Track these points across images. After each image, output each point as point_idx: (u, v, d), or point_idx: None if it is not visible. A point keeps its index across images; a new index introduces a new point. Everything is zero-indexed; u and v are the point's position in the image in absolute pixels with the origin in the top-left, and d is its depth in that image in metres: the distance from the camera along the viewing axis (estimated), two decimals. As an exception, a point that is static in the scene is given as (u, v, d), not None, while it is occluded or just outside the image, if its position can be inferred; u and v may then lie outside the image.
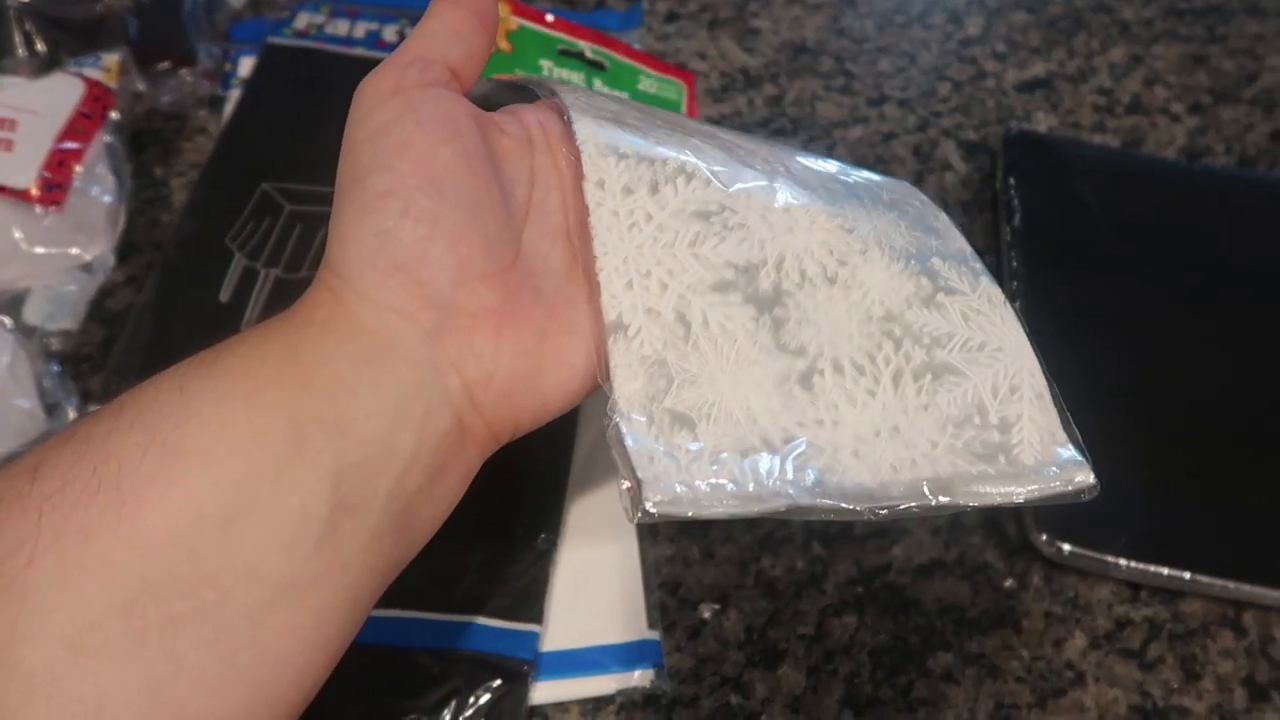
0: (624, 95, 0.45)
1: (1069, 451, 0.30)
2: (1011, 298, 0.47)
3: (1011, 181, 0.51)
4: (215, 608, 0.22)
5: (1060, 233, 0.50)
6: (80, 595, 0.21)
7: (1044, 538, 0.40)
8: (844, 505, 0.27)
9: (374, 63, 0.57)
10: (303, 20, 0.54)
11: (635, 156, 0.30)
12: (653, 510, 0.25)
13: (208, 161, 0.49)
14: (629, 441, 0.25)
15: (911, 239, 0.32)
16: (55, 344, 0.44)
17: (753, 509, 0.26)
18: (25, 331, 0.43)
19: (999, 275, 0.49)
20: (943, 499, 0.28)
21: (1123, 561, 0.39)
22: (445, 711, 0.34)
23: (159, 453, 0.22)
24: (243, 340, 0.25)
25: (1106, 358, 0.45)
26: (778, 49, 0.60)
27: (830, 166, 0.35)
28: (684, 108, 0.51)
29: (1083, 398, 0.44)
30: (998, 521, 0.42)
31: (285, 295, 0.44)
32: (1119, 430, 0.43)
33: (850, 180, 0.34)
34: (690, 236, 0.29)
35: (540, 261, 0.28)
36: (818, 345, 0.29)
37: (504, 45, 0.48)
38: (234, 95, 0.52)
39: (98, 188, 0.47)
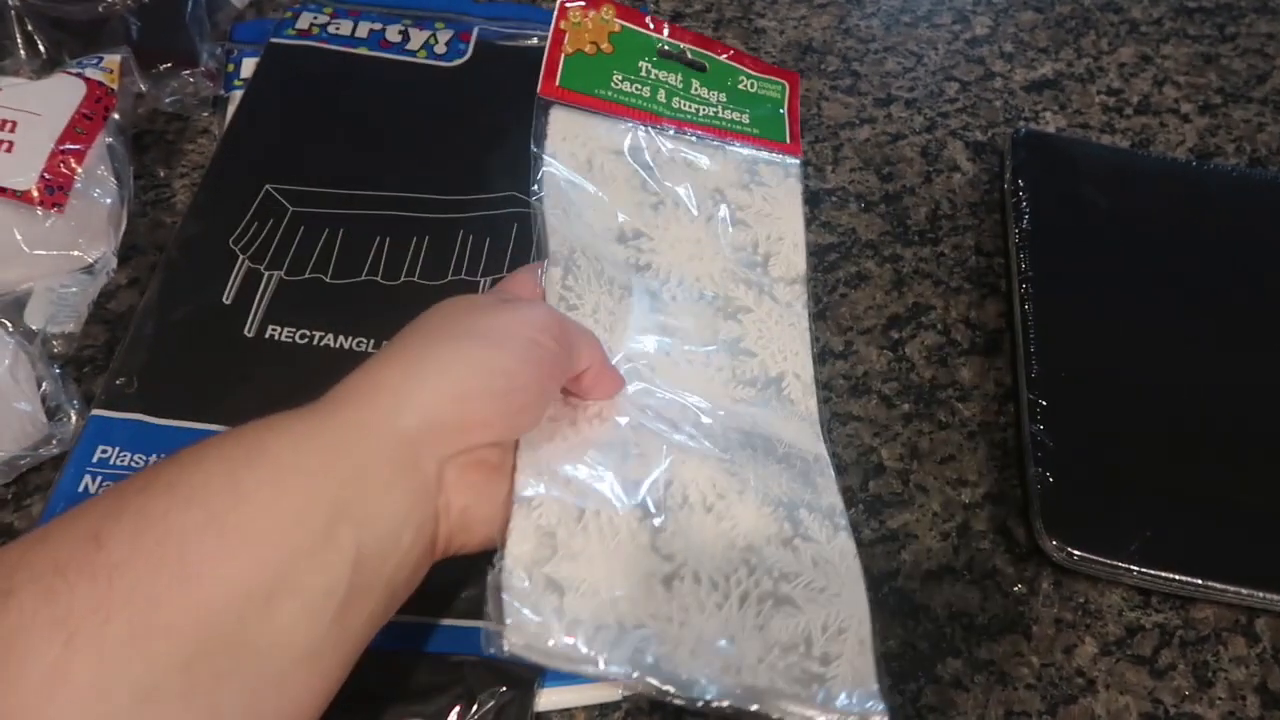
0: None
1: (872, 698, 0.33)
2: (1021, 300, 0.46)
3: (1020, 182, 0.51)
4: (251, 669, 0.25)
5: (1069, 234, 0.49)
6: (150, 653, 0.24)
7: (1054, 543, 0.39)
8: (670, 690, 0.31)
9: (377, 62, 0.57)
10: (305, 20, 0.54)
11: (563, 400, 0.36)
12: (507, 650, 0.30)
13: (210, 163, 0.49)
14: (505, 593, 0.31)
15: (788, 489, 0.37)
16: (57, 346, 0.44)
17: (589, 671, 0.30)
18: (26, 334, 0.43)
19: (1008, 276, 0.49)
20: (753, 707, 0.32)
21: (1134, 567, 0.39)
22: (451, 717, 0.34)
23: (217, 533, 0.25)
24: (286, 429, 0.28)
25: (1116, 360, 0.45)
26: (783, 49, 0.60)
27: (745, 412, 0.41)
28: (785, 105, 0.52)
29: (1093, 401, 0.44)
30: (1007, 527, 0.42)
31: (288, 298, 0.44)
32: (1129, 433, 0.43)
33: (755, 430, 0.40)
34: (596, 457, 0.35)
35: None
36: (684, 556, 0.34)
37: (605, 46, 0.49)
38: (236, 96, 0.52)
39: (99, 189, 0.46)
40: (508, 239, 0.46)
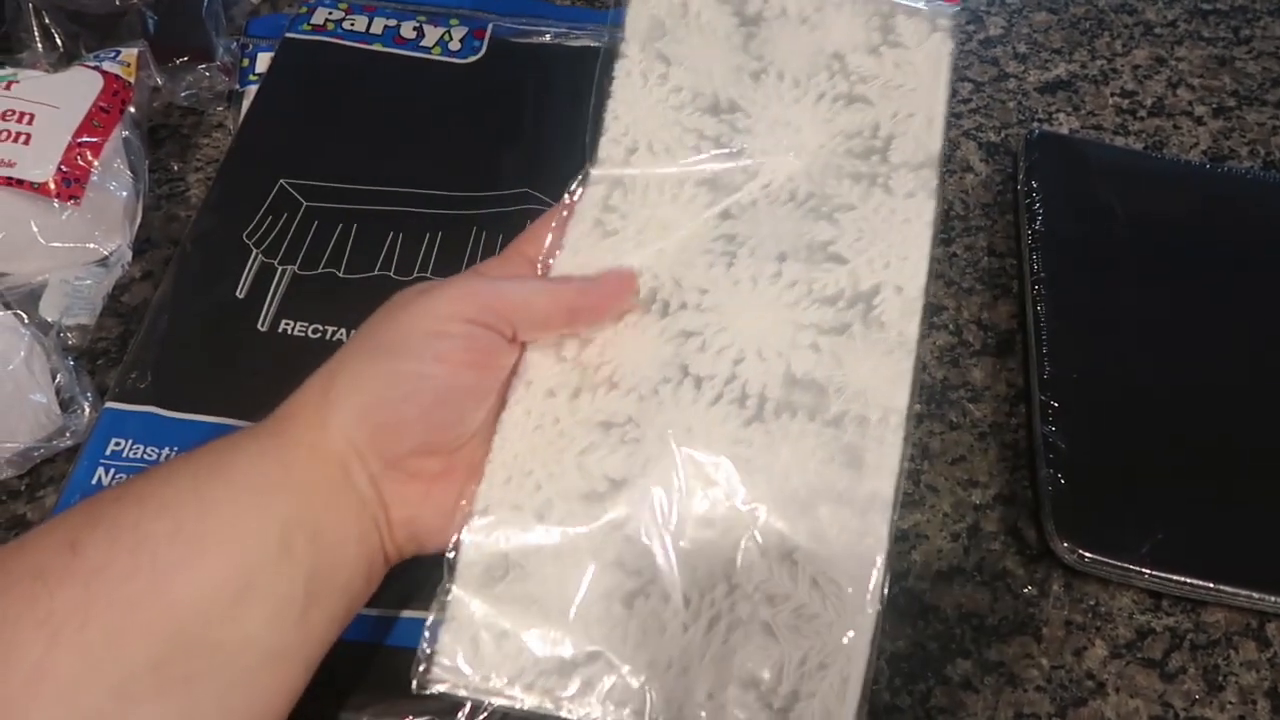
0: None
1: None
2: (1033, 301, 0.46)
3: (1033, 184, 0.51)
4: (221, 668, 0.27)
5: (1082, 236, 0.49)
6: (126, 654, 0.26)
7: (1065, 545, 0.39)
8: (594, 718, 0.30)
9: (391, 58, 0.57)
10: (320, 15, 0.54)
11: (573, 360, 0.33)
12: (432, 689, 0.30)
13: (225, 157, 0.49)
14: (448, 621, 0.30)
15: (815, 480, 0.32)
16: (71, 338, 0.44)
17: (521, 704, 0.30)
18: (41, 326, 0.43)
19: (1020, 278, 0.49)
20: None
21: (1144, 570, 0.39)
22: (460, 714, 0.34)
23: (185, 542, 0.27)
24: (243, 449, 0.30)
25: (1128, 362, 0.45)
26: (797, 48, 0.60)
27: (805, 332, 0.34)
28: None
29: (1105, 403, 0.43)
30: (1017, 528, 0.42)
31: (301, 292, 0.44)
32: (1141, 435, 0.43)
33: (810, 376, 0.33)
34: (584, 444, 0.32)
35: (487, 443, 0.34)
36: (653, 571, 0.31)
37: None
38: (251, 90, 0.52)
39: (115, 182, 0.47)
40: (520, 236, 0.47)
